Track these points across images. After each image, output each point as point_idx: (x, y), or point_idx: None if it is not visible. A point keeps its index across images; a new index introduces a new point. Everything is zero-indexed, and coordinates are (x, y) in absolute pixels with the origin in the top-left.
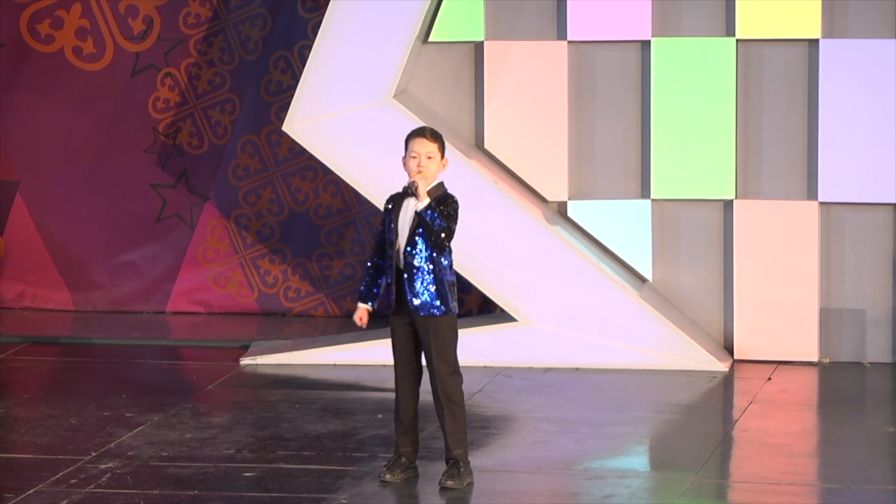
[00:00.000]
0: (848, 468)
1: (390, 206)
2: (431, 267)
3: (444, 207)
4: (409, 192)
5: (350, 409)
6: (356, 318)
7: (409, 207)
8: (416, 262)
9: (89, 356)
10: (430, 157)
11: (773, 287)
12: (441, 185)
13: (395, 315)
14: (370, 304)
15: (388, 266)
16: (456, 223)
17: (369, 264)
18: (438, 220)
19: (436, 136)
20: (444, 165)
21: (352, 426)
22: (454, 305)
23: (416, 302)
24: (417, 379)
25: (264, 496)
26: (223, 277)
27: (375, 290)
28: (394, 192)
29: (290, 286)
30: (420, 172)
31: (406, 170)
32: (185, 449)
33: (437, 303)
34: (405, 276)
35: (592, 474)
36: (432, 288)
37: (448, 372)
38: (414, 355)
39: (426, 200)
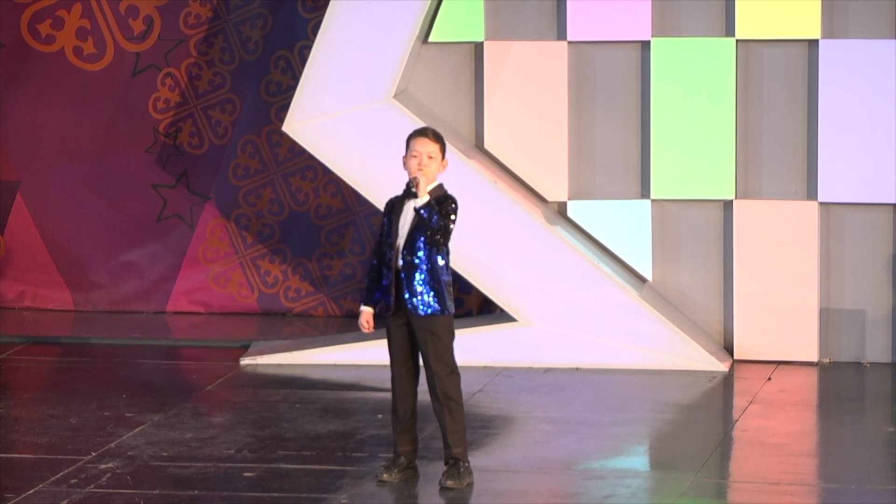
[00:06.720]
0: (848, 468)
1: (390, 208)
2: (429, 267)
3: (442, 207)
4: (410, 189)
5: (350, 409)
6: (363, 321)
7: (409, 208)
8: (413, 262)
9: (89, 356)
10: (431, 157)
11: (772, 287)
12: (441, 186)
13: (391, 315)
14: (374, 307)
15: (388, 268)
16: (454, 223)
17: (370, 267)
18: (436, 218)
19: (437, 137)
20: (444, 166)
21: (352, 426)
22: (451, 305)
23: (414, 302)
24: (415, 378)
25: (264, 496)
26: (223, 277)
27: (377, 295)
28: (394, 192)
29: (291, 286)
30: (420, 171)
31: (406, 169)
32: (185, 449)
33: (435, 303)
34: (403, 276)
35: (592, 474)
36: (429, 288)
37: (447, 372)
38: (411, 355)
39: (426, 198)
